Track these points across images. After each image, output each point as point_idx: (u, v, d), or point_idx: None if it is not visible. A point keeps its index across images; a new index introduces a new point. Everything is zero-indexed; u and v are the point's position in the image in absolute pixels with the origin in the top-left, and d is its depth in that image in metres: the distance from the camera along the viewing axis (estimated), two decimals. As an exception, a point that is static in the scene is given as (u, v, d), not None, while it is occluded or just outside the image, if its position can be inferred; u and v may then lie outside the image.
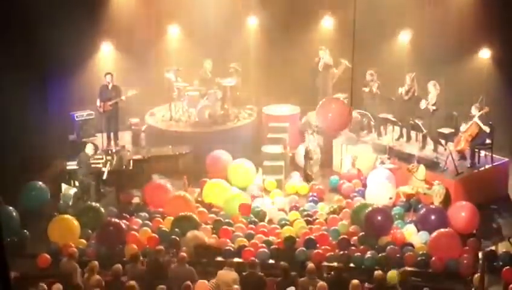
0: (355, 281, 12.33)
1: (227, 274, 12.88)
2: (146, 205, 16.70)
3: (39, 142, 17.51)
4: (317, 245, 14.64)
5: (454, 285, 13.56)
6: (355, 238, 14.98)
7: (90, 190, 16.75)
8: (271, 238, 15.06)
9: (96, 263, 13.03)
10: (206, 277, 13.01)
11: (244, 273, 13.01)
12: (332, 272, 13.17)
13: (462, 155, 17.05)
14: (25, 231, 15.23)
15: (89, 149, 17.03)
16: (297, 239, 14.81)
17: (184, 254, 13.27)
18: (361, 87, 18.72)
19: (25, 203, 16.21)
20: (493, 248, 14.47)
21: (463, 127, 16.75)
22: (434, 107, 17.20)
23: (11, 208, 15.35)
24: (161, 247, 13.68)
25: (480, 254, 13.92)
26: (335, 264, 13.94)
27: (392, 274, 12.96)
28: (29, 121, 17.38)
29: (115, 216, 15.84)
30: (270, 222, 16.15)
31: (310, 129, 18.18)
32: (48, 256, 14.29)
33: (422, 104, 17.30)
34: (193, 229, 14.77)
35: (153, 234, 15.03)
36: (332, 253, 14.28)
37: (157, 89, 20.29)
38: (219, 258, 14.31)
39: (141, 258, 13.64)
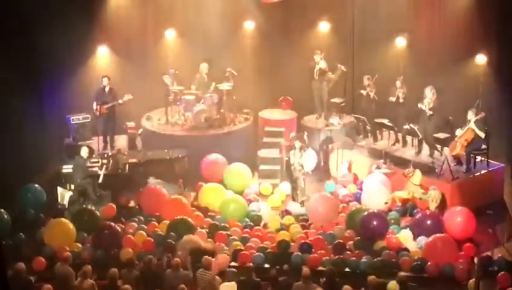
0: (347, 287, 12.31)
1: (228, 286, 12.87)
2: (141, 209, 16.69)
3: (35, 145, 17.49)
4: (313, 250, 14.63)
5: (449, 290, 13.59)
6: (350, 242, 14.98)
7: (88, 193, 16.70)
8: (266, 243, 15.04)
9: (89, 267, 12.97)
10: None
11: (241, 279, 12.98)
12: (324, 279, 13.08)
13: (457, 160, 17.09)
14: (21, 234, 15.18)
15: (84, 152, 17.01)
16: (292, 243, 14.81)
17: (178, 260, 13.22)
18: (358, 92, 18.77)
19: (21, 206, 16.17)
20: (489, 253, 14.47)
21: (459, 132, 16.78)
22: (431, 112, 17.23)
23: (2, 210, 15.32)
24: (151, 256, 13.61)
25: (475, 259, 13.94)
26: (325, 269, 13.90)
27: (393, 285, 12.97)
28: (26, 124, 17.34)
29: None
30: (266, 226, 16.15)
31: (298, 143, 17.73)
32: (43, 259, 14.24)
33: (425, 108, 17.32)
34: (189, 233, 14.75)
35: (149, 238, 15.01)
36: (327, 257, 14.27)
37: (153, 93, 20.27)
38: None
39: (136, 262, 13.60)
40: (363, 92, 18.73)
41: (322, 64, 19.49)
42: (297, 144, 17.35)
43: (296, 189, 17.38)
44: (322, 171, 19.00)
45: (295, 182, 17.43)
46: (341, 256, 14.32)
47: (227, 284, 12.92)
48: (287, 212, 16.75)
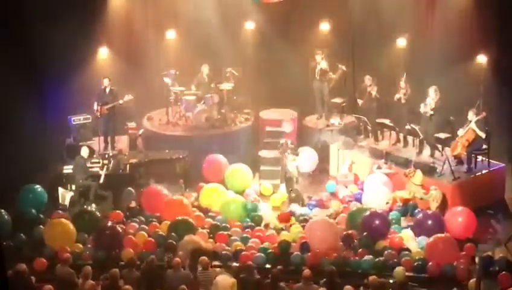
0: (348, 287, 12.29)
1: (225, 280, 12.83)
2: (142, 210, 16.66)
3: (36, 146, 17.50)
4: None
5: (450, 290, 13.55)
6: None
7: (89, 193, 16.70)
8: (266, 243, 15.03)
9: (89, 268, 12.96)
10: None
11: (241, 276, 12.98)
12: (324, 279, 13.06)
13: (458, 160, 17.07)
14: (22, 234, 15.16)
15: (84, 152, 17.00)
16: (293, 243, 14.80)
17: (178, 259, 13.23)
18: (360, 91, 18.74)
19: (23, 206, 16.17)
20: (490, 253, 14.45)
21: (460, 132, 16.77)
22: (432, 112, 17.22)
23: (2, 211, 15.30)
24: (153, 256, 13.61)
25: (476, 259, 13.93)
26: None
27: (399, 270, 12.98)
28: (27, 124, 17.35)
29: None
30: (266, 226, 16.15)
31: (289, 150, 17.67)
32: (44, 260, 14.21)
33: (422, 108, 17.31)
34: (190, 234, 14.75)
35: (150, 238, 15.00)
36: (327, 257, 14.22)
37: (154, 93, 20.29)
38: (216, 263, 14.27)
39: (137, 262, 13.59)
40: (359, 101, 18.68)
41: (323, 65, 19.48)
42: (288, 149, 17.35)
43: (290, 191, 17.43)
44: (323, 172, 19.03)
45: (288, 183, 17.48)
46: (350, 246, 14.33)
47: (224, 277, 12.91)
48: (291, 214, 16.74)
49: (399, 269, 13.18)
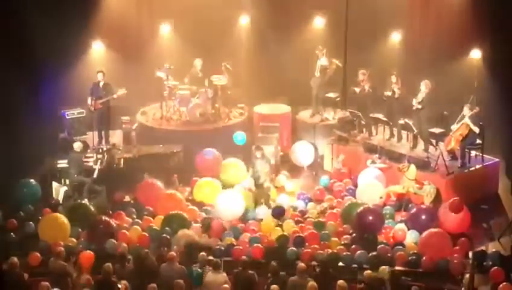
0: (341, 282, 12.30)
1: (216, 277, 12.83)
2: (138, 203, 16.61)
3: (31, 140, 17.45)
4: (306, 244, 14.60)
5: (444, 284, 13.54)
6: (346, 237, 14.98)
7: (83, 188, 16.65)
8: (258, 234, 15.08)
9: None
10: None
11: (235, 271, 12.96)
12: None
13: (453, 155, 17.08)
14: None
15: (77, 146, 16.94)
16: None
17: (173, 253, 13.23)
18: (353, 86, 18.72)
19: (17, 201, 16.15)
20: (483, 247, 14.48)
21: (454, 127, 16.78)
22: (420, 106, 17.20)
23: None
24: (146, 250, 13.61)
25: (470, 254, 13.95)
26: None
27: (383, 270, 12.96)
28: (21, 118, 17.32)
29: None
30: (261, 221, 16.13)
31: (259, 153, 17.55)
32: (39, 254, 14.18)
33: (414, 102, 17.31)
34: (183, 228, 14.73)
35: (143, 233, 14.98)
36: (321, 251, 14.22)
37: (148, 88, 20.26)
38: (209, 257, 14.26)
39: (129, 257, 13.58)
40: (357, 89, 18.68)
41: (324, 62, 19.36)
42: (258, 154, 17.13)
43: (260, 195, 16.95)
44: (318, 166, 19.04)
45: (260, 188, 17.01)
46: (335, 251, 14.30)
47: (215, 273, 12.90)
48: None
49: (383, 268, 13.18)
